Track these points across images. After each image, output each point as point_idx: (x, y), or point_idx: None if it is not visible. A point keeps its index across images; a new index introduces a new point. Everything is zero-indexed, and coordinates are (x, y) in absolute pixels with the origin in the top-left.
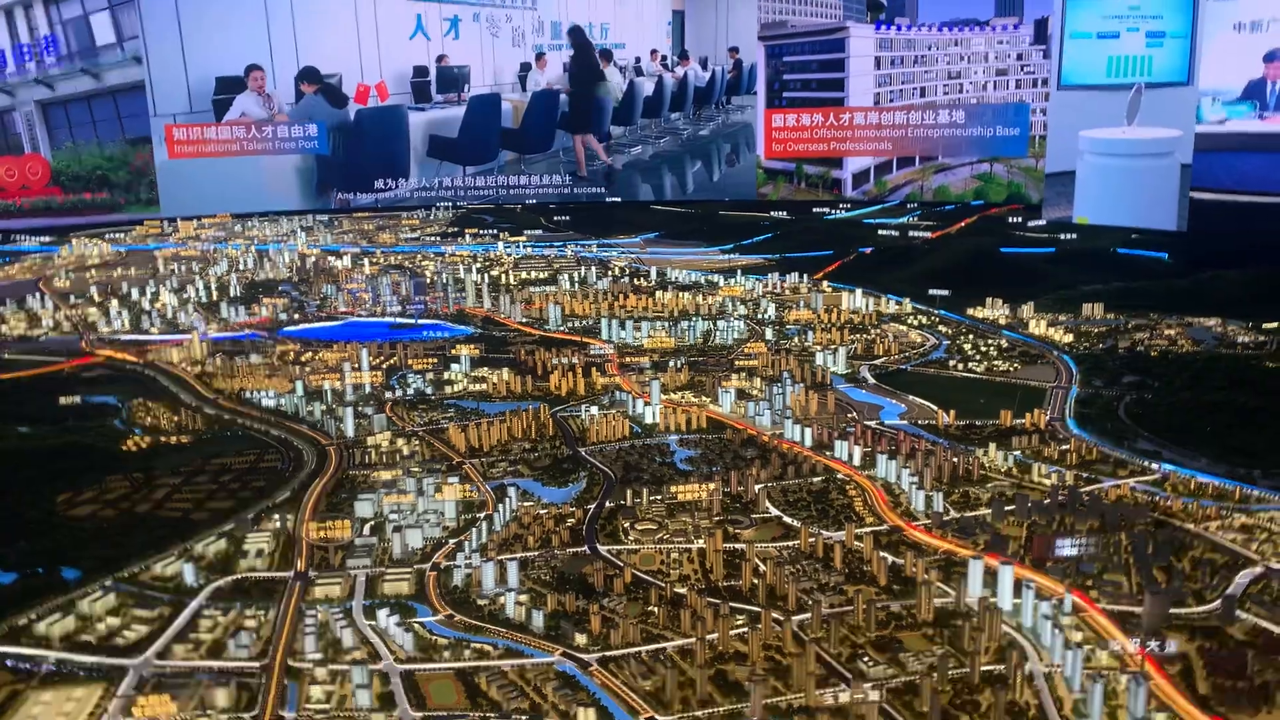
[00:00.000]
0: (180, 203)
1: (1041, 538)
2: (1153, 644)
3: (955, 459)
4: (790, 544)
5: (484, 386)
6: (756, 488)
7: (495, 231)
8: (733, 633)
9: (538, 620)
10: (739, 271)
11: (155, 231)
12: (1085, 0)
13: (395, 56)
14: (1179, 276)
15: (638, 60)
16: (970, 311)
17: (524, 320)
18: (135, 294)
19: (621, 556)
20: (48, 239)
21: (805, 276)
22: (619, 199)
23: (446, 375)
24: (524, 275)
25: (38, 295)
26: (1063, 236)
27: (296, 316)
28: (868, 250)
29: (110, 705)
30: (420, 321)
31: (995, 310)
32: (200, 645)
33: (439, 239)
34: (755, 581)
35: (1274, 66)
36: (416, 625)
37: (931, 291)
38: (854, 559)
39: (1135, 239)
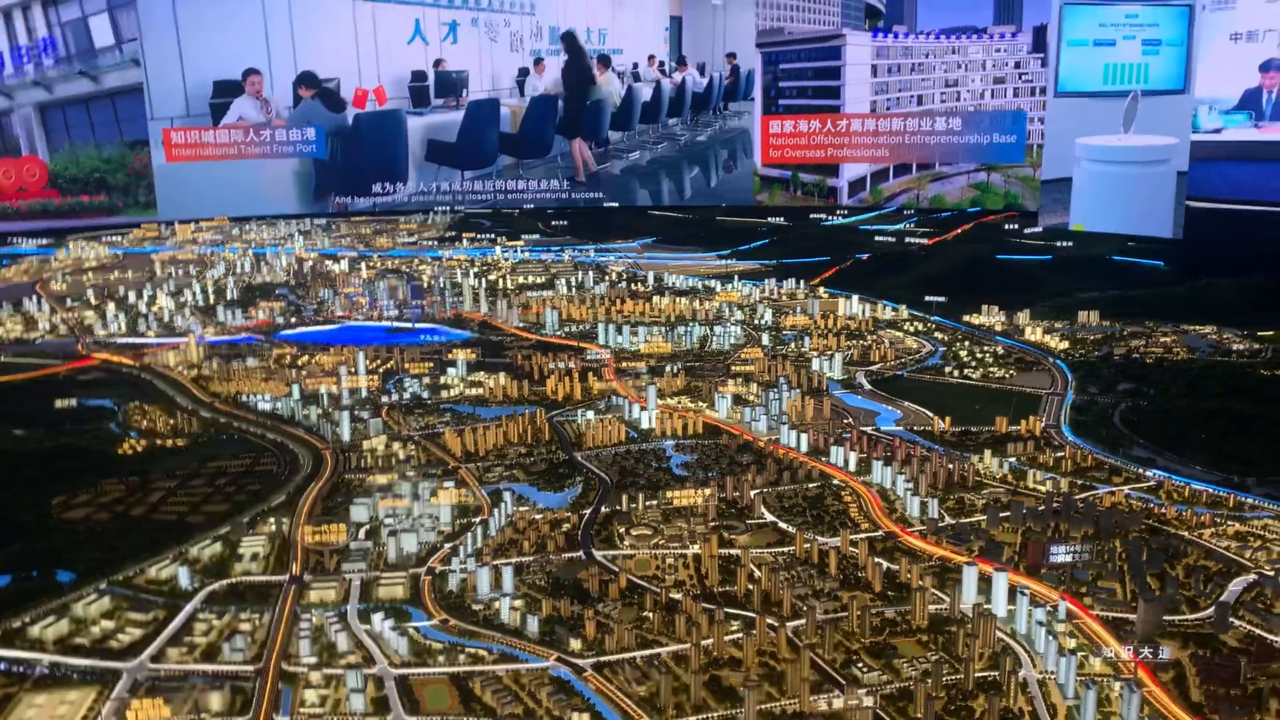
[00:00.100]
0: (178, 206)
1: (1036, 544)
2: (1146, 651)
3: (950, 465)
4: (785, 550)
5: (480, 391)
6: (752, 493)
7: (493, 236)
8: (727, 638)
9: (533, 625)
10: (736, 277)
11: (152, 235)
12: (1082, 8)
13: (393, 61)
14: (1175, 284)
15: (635, 66)
16: (966, 318)
17: (521, 325)
18: (132, 297)
19: (617, 562)
20: (45, 241)
21: (802, 282)
22: (616, 204)
23: (443, 379)
24: (521, 280)
25: (34, 298)
26: (1059, 244)
27: (293, 320)
28: (864, 256)
29: (104, 708)
30: (417, 326)
31: (991, 317)
32: (195, 649)
33: (436, 243)
34: (750, 587)
35: (1270, 76)
36: (411, 630)
37: (928, 298)
38: (849, 565)
39: (1131, 247)
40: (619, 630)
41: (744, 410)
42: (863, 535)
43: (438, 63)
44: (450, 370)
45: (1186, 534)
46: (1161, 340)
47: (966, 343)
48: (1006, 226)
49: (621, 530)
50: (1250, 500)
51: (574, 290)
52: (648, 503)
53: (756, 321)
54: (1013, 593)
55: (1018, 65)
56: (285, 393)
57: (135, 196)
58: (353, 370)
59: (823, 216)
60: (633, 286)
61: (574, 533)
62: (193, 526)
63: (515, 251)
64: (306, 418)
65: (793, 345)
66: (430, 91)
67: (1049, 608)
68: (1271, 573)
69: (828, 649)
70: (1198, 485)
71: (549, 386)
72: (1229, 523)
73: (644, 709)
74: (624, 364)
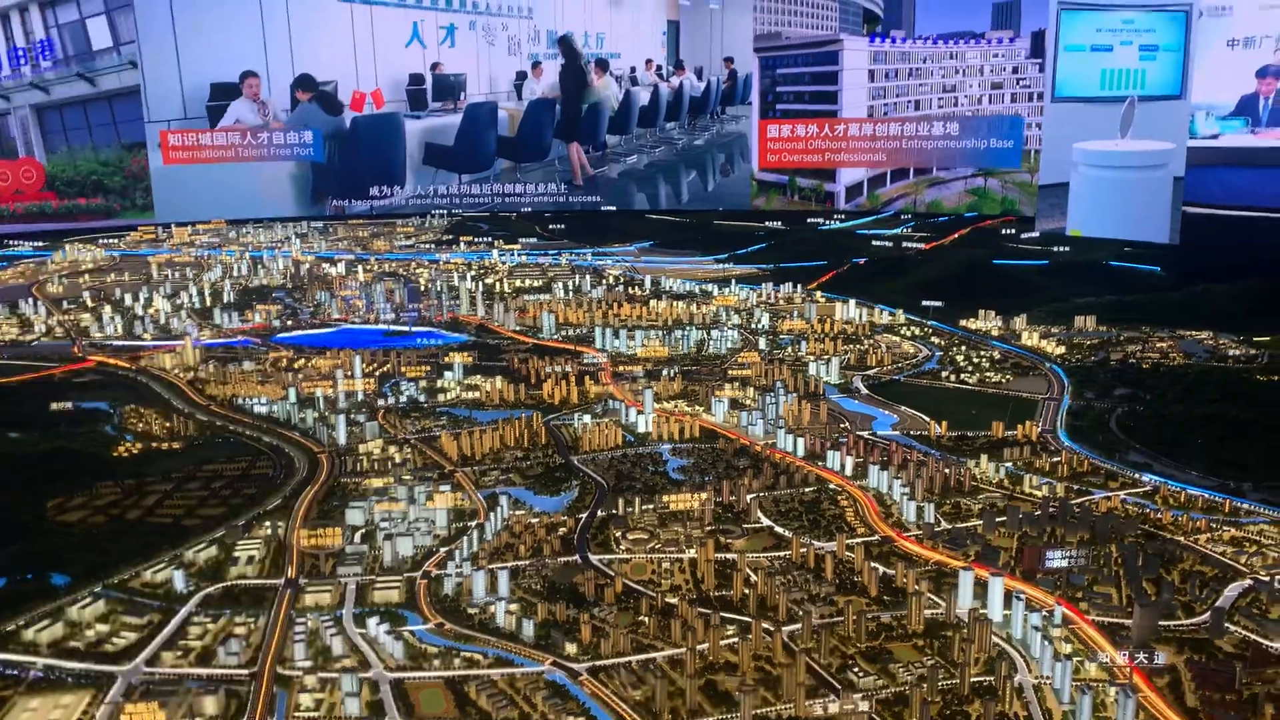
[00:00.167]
0: (175, 208)
1: (1032, 549)
2: (1141, 656)
3: (947, 470)
4: (782, 554)
5: (477, 394)
6: (748, 497)
7: (490, 239)
8: (723, 643)
9: (528, 629)
10: (733, 281)
11: (149, 237)
12: (1079, 13)
13: (391, 64)
14: (1171, 289)
15: (633, 70)
16: (963, 323)
17: (518, 328)
18: (128, 300)
19: (613, 566)
20: (41, 244)
21: (799, 286)
22: (614, 208)
23: (439, 383)
24: (518, 283)
25: (30, 300)
26: (1056, 249)
27: (290, 323)
28: (862, 261)
29: (98, 712)
30: (414, 329)
31: (988, 322)
32: (190, 652)
33: (434, 246)
34: (746, 592)
35: (1266, 82)
36: (406, 633)
37: (924, 303)
38: (845, 569)
39: (1128, 252)
40: (614, 634)
41: (741, 414)
42: (859, 540)
43: (435, 66)
44: (447, 374)
45: (1182, 539)
46: (1158, 345)
47: (963, 347)
48: (1004, 231)
49: (618, 534)
50: (1246, 505)
51: (571, 294)
52: (644, 507)
53: (753, 326)
54: (1009, 597)
55: (1015, 70)
56: (281, 396)
57: (133, 199)
58: (349, 373)
59: (820, 221)
60: (630, 290)
61: (570, 537)
62: (188, 530)
63: (512, 255)
64: (303, 421)
65: (790, 349)
66: (428, 95)
67: (1045, 612)
68: (1267, 578)
69: (823, 654)
70: (1194, 490)
71: (546, 390)
72: (1225, 528)
73: (639, 713)
74: (621, 368)
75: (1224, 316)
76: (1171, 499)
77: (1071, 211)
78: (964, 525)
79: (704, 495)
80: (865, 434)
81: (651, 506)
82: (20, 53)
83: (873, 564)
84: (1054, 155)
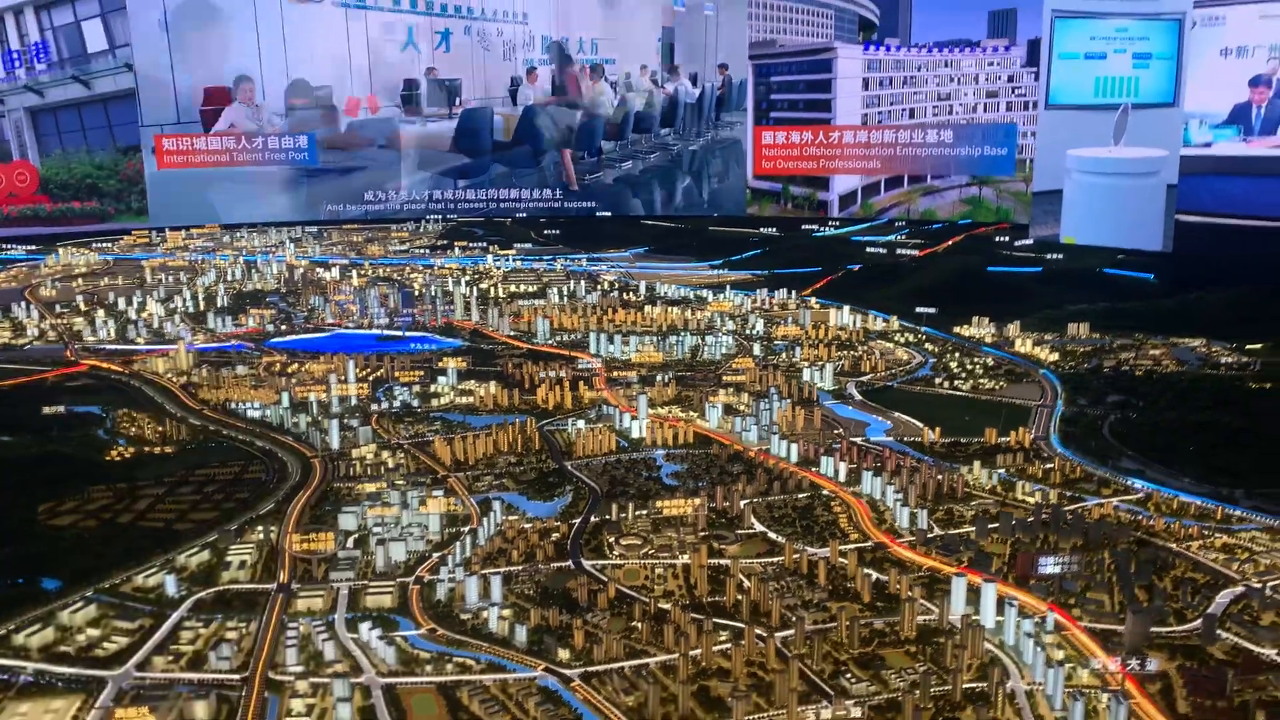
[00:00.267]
0: (170, 212)
1: (1025, 556)
2: (1134, 662)
3: (940, 476)
4: (775, 560)
5: (471, 400)
6: (742, 503)
7: (485, 245)
8: (716, 648)
9: (521, 635)
10: (728, 287)
11: (143, 241)
12: (1073, 21)
13: (386, 69)
14: (1164, 297)
15: (628, 76)
16: (957, 329)
17: (512, 333)
18: (122, 304)
19: (606, 571)
20: (34, 248)
21: (794, 293)
22: (609, 213)
23: (433, 388)
24: (513, 288)
25: (23, 304)
26: (1049, 256)
27: (284, 327)
28: (856, 267)
29: (88, 717)
30: (408, 334)
31: (982, 329)
32: (181, 657)
33: (428, 251)
34: (739, 597)
35: (1259, 91)
36: (399, 639)
37: (918, 309)
38: (838, 575)
39: (1121, 259)
40: (607, 640)
41: (735, 420)
42: (852, 546)
43: (429, 70)
44: (440, 379)
45: (1174, 546)
46: (1151, 353)
47: (957, 354)
48: (997, 239)
49: (611, 540)
50: (1238, 513)
51: (565, 299)
52: (637, 512)
53: (748, 331)
54: (1001, 604)
55: (1011, 79)
56: (275, 400)
57: (128, 203)
58: (342, 378)
59: (814, 227)
60: (624, 296)
61: (563, 542)
62: (180, 534)
63: (507, 260)
64: (296, 425)
65: (784, 355)
66: (423, 100)
67: (1037, 619)
68: (1258, 585)
69: (816, 659)
70: (1186, 497)
71: (540, 395)
72: (1217, 535)
73: (632, 719)
74: (615, 373)
75: (1217, 324)
76: (1164, 506)
77: (1065, 219)
78: (957, 531)
79: (697, 501)
80: (859, 440)
81: (645, 512)
82: (15, 55)
83: (866, 570)
84: (1048, 162)
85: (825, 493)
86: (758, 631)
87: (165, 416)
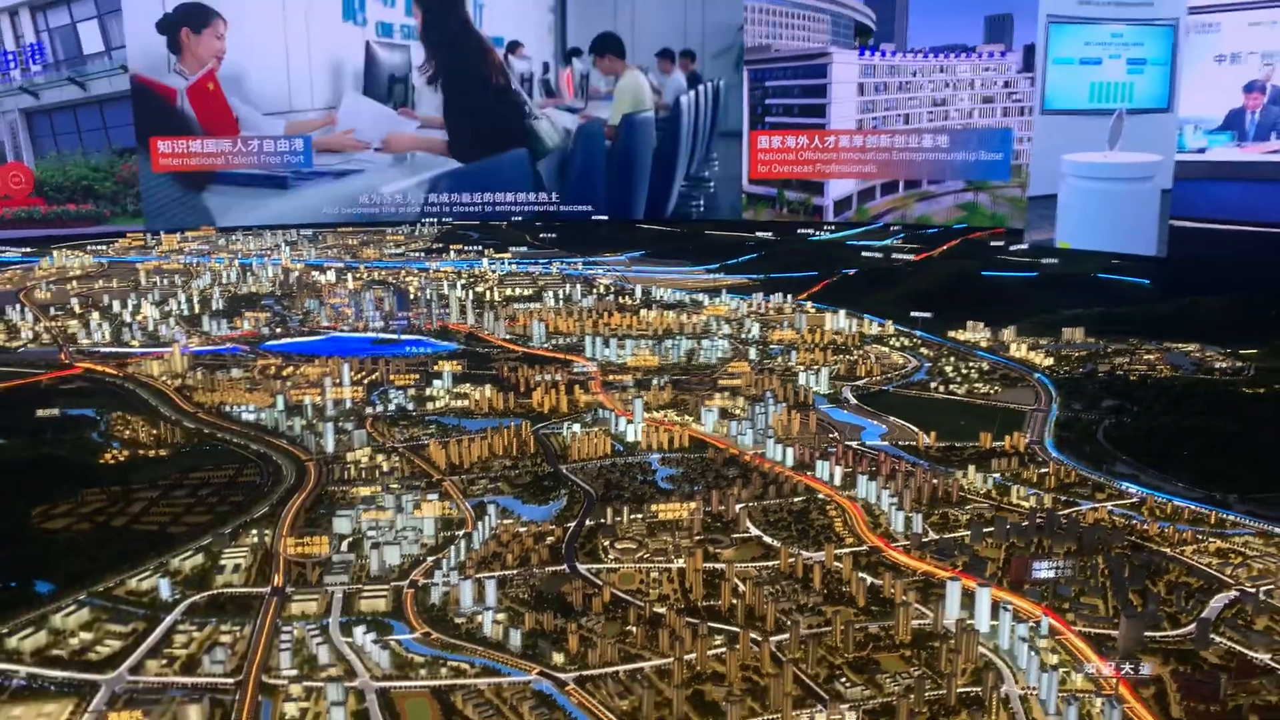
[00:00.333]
0: (165, 215)
1: (1019, 560)
2: (1128, 667)
3: (935, 480)
4: (770, 564)
5: (466, 403)
6: (737, 507)
7: (480, 248)
8: (711, 653)
9: (515, 639)
10: (724, 291)
11: (138, 244)
12: (1068, 26)
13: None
14: (1159, 302)
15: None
16: (952, 334)
17: (508, 337)
18: (116, 306)
19: (601, 575)
20: (29, 250)
21: (789, 297)
22: (605, 217)
23: (428, 391)
24: (509, 292)
25: (18, 306)
26: (1044, 261)
27: (279, 331)
28: (852, 272)
29: None
30: (403, 337)
31: (976, 333)
32: (174, 661)
33: (424, 254)
34: (734, 601)
35: (1253, 97)
36: (393, 642)
37: (913, 314)
38: (833, 580)
39: (1116, 264)
40: (602, 644)
41: (730, 424)
42: (847, 550)
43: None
44: (436, 382)
45: (1169, 551)
46: (1145, 357)
47: (952, 358)
48: (993, 243)
49: (606, 544)
50: (1232, 518)
51: (561, 303)
52: (632, 516)
53: (744, 335)
54: (996, 608)
55: (1006, 85)
56: (269, 403)
57: (123, 205)
58: (337, 381)
59: (810, 231)
60: (620, 300)
61: (558, 546)
62: (174, 537)
63: (503, 263)
64: (290, 429)
65: (779, 359)
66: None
67: (1031, 623)
68: (1252, 589)
69: (811, 663)
70: (1180, 502)
71: (535, 399)
72: (1211, 540)
73: None
74: (611, 377)
75: (1211, 329)
76: (1158, 510)
77: (1060, 223)
78: (952, 535)
79: (693, 505)
80: (854, 444)
81: (640, 516)
82: (10, 56)
83: (861, 574)
84: (1043, 167)
85: (820, 497)
86: (753, 636)
87: (160, 419)
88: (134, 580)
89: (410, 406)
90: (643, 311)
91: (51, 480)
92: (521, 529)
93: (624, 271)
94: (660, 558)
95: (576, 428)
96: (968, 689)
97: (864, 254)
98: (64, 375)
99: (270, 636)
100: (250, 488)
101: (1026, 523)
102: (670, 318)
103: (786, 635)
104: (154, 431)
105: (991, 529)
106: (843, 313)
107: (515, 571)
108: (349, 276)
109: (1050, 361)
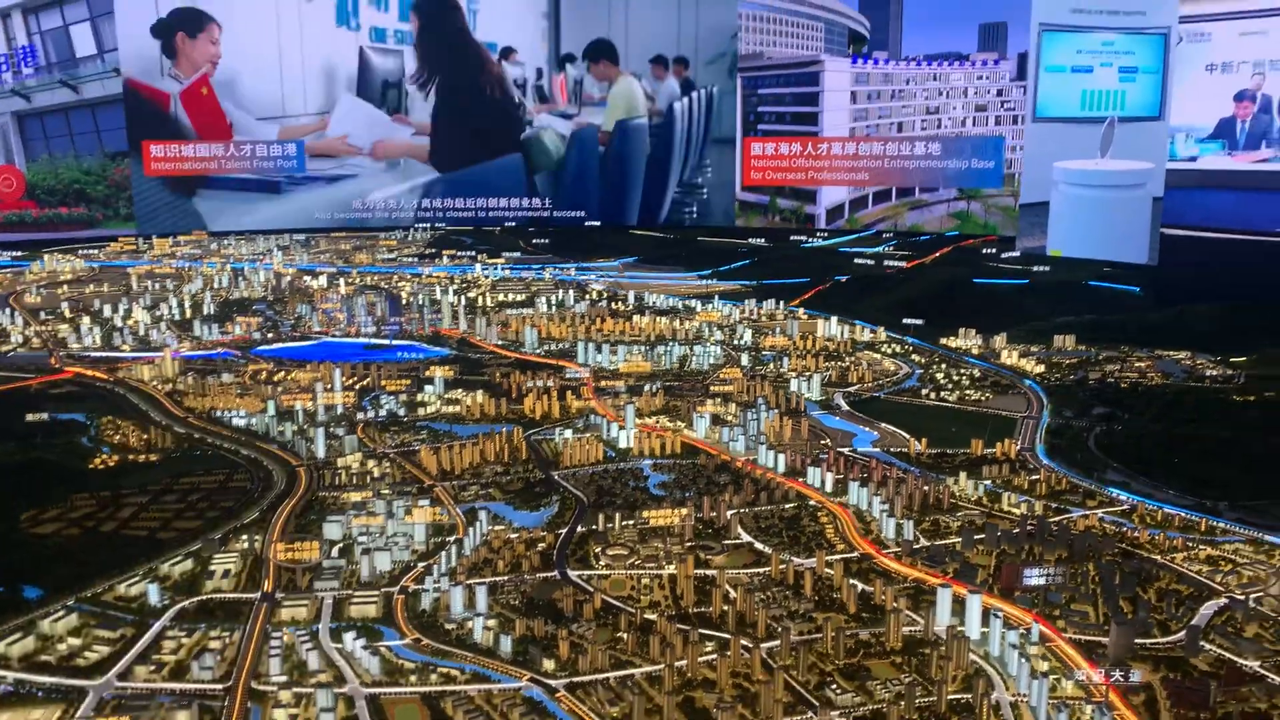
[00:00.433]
0: (157, 220)
1: (1010, 567)
2: (1117, 674)
3: (926, 487)
4: (761, 570)
5: (458, 409)
6: (729, 513)
7: (473, 253)
8: (701, 659)
9: (506, 645)
10: (716, 297)
11: (130, 248)
12: (1060, 34)
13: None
14: (1150, 310)
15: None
16: (943, 341)
17: (500, 342)
18: (107, 311)
19: (592, 582)
20: (19, 254)
21: (782, 303)
22: (598, 222)
23: (420, 397)
24: (501, 297)
25: (8, 310)
26: (1036, 268)
27: (270, 336)
28: (844, 278)
29: None
30: (395, 342)
31: (968, 340)
32: (163, 667)
33: (416, 260)
34: (725, 608)
35: (1243, 105)
36: (383, 648)
37: (905, 321)
38: (824, 586)
39: (1107, 272)
40: (593, 651)
41: (722, 430)
42: (838, 556)
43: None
44: (427, 387)
45: (1159, 558)
46: (1136, 365)
47: (943, 365)
48: (985, 251)
49: (597, 550)
50: (1222, 525)
51: (554, 308)
52: (624, 522)
53: (736, 342)
54: (986, 615)
55: (1000, 93)
56: (260, 409)
57: (116, 209)
58: (329, 387)
59: (803, 238)
60: (613, 305)
61: (549, 552)
62: (164, 543)
63: (496, 269)
64: (281, 434)
65: (771, 366)
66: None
67: (1022, 630)
68: (1242, 597)
69: (801, 670)
70: (1170, 509)
71: (527, 405)
72: (1201, 547)
73: None
74: (603, 383)
75: (1202, 337)
76: (1149, 518)
77: (1052, 231)
78: (943, 542)
79: (684, 511)
80: (846, 450)
81: (631, 522)
82: (2, 59)
83: (852, 581)
84: (1035, 175)
85: (812, 503)
86: (743, 642)
87: (150, 424)
88: (123, 586)
89: (402, 412)
90: (635, 317)
91: (40, 485)
92: (513, 535)
93: (617, 277)
94: (652, 564)
95: (569, 433)
96: (958, 696)
97: (856, 261)
98: (54, 379)
99: (260, 642)
100: (240, 493)
101: (1017, 530)
102: (663, 324)
103: (777, 642)
104: (144, 436)
105: (982, 536)
106: (835, 319)
107: (506, 578)
108: (341, 282)
109: (1041, 369)
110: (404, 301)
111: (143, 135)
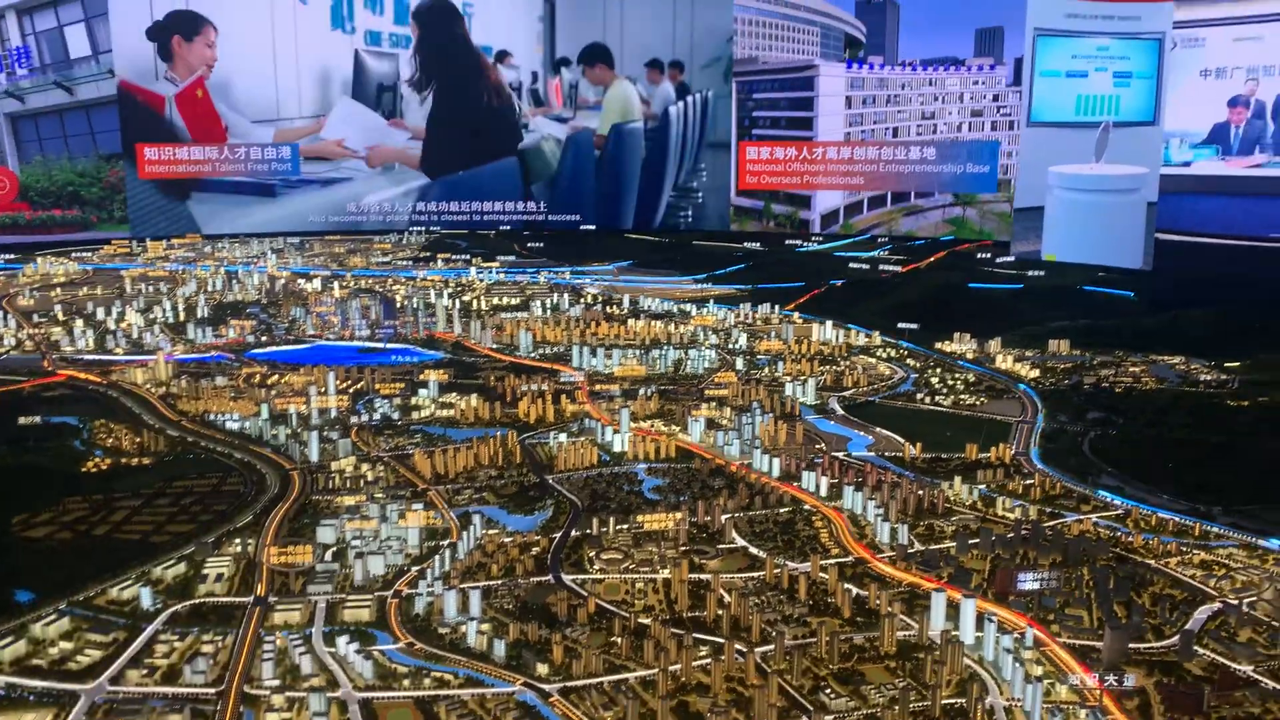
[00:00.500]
0: (151, 222)
1: (1004, 571)
2: (1111, 678)
3: (921, 491)
4: (756, 575)
5: (452, 413)
6: (723, 518)
7: (468, 257)
8: (696, 664)
9: (499, 649)
10: (711, 301)
11: (123, 251)
12: (1054, 39)
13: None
14: (1144, 315)
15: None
16: (938, 345)
17: (494, 346)
18: (101, 314)
19: (586, 586)
20: (12, 256)
21: (777, 307)
22: (593, 226)
23: (414, 400)
24: (496, 301)
25: (0, 313)
26: (1030, 273)
27: (264, 339)
28: (839, 283)
29: None
30: (389, 346)
31: (963, 345)
32: (155, 671)
33: (411, 263)
34: (720, 612)
35: (1237, 111)
36: (376, 653)
37: (900, 325)
38: (818, 590)
39: (1101, 277)
40: (587, 655)
41: (717, 434)
42: (833, 561)
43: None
44: (421, 391)
45: (1153, 562)
46: (1131, 370)
47: (938, 370)
48: (979, 255)
49: (591, 554)
50: (1216, 529)
51: (549, 312)
52: (618, 527)
53: (731, 346)
54: (981, 619)
55: (996, 98)
56: (254, 412)
57: (110, 211)
58: (323, 390)
59: (798, 242)
60: (608, 309)
61: (543, 556)
62: (156, 546)
63: (490, 272)
64: (275, 437)
65: (766, 370)
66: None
67: (1016, 635)
68: (1235, 601)
69: (796, 675)
70: (1165, 514)
71: (521, 409)
72: (1195, 551)
73: None
74: (598, 386)
75: (1196, 342)
76: (1143, 522)
77: (1046, 236)
78: (937, 547)
79: (679, 515)
80: (840, 455)
81: (626, 526)
82: None
83: (846, 585)
84: (1030, 179)
85: (806, 508)
86: (738, 647)
87: (143, 428)
88: (115, 589)
89: (396, 416)
90: (630, 321)
91: (33, 488)
92: (507, 539)
93: (612, 281)
94: (646, 568)
95: (563, 437)
96: (952, 700)
97: (851, 265)
98: (46, 382)
99: (252, 646)
100: (234, 497)
101: (1012, 534)
102: (658, 328)
103: (772, 646)
104: (137, 439)
105: (977, 540)
106: (830, 323)
107: (500, 582)
108: (335, 285)
109: (1036, 373)
110: (398, 305)
111: (137, 138)
